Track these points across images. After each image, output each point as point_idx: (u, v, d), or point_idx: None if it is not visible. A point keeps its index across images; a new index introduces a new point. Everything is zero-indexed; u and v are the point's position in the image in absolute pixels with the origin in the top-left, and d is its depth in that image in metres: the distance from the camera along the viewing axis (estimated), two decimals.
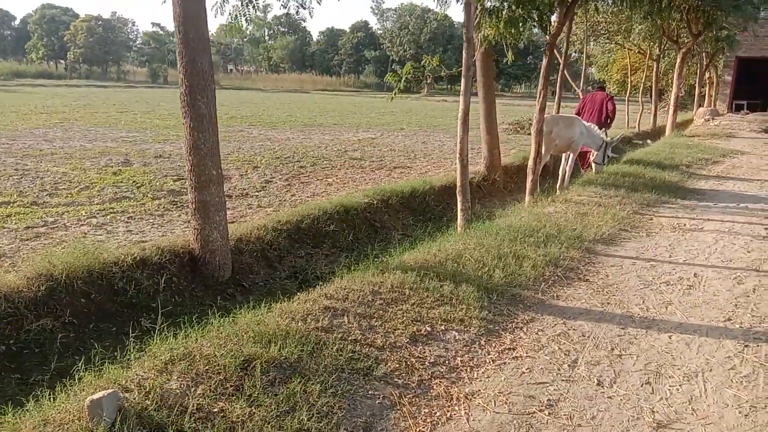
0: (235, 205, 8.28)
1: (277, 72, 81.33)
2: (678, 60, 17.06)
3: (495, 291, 4.46)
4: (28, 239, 6.17)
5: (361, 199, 7.22)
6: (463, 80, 5.82)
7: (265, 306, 3.69)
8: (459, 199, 6.27)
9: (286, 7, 6.43)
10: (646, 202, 8.19)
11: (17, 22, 73.85)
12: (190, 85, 4.59)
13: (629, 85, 23.12)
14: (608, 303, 4.55)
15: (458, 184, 6.23)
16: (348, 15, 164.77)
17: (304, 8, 6.45)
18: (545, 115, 9.50)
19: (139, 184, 9.38)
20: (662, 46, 19.76)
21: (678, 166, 11.53)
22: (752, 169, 12.05)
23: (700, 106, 25.73)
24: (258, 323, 3.39)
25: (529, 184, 8.04)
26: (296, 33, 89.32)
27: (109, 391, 2.49)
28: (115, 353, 3.48)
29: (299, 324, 3.48)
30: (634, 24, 16.25)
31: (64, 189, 8.79)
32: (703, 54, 22.58)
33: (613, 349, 3.73)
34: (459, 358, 3.49)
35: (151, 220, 7.29)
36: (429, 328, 3.76)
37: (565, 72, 15.57)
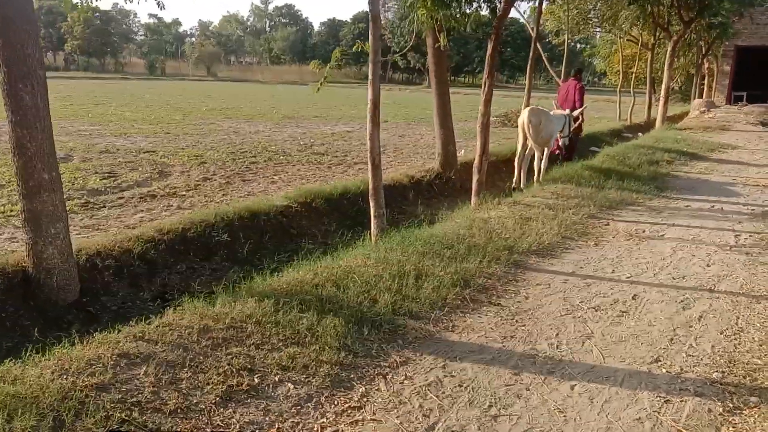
0: (151, 207, 7.51)
1: (278, 63, 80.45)
2: (669, 49, 16.07)
3: (372, 322, 3.64)
4: None
5: (278, 202, 6.40)
6: (370, 66, 5.00)
7: (37, 352, 2.89)
8: (371, 204, 5.44)
9: None
10: (608, 204, 7.33)
11: None
12: (9, 71, 3.79)
13: (621, 77, 22.07)
14: (512, 336, 3.72)
15: (370, 187, 5.41)
16: (350, 5, 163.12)
17: None
18: (533, 107, 8.84)
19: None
20: (656, 35, 18.76)
21: (658, 161, 10.63)
22: (740, 165, 11.13)
23: (699, 97, 24.69)
24: (11, 381, 2.59)
25: (474, 185, 7.19)
26: (297, 24, 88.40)
27: None
28: None
29: (69, 380, 2.67)
30: (620, 9, 15.31)
31: None
32: (701, 43, 21.55)
33: (490, 407, 2.91)
34: (278, 425, 2.68)
35: None
36: (257, 380, 2.95)
37: (544, 60, 14.68)
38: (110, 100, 25.62)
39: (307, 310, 3.59)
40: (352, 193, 7.26)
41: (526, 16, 13.45)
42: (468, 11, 6.90)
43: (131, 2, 5.70)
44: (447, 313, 3.98)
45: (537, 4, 10.85)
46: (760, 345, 3.67)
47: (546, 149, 9.10)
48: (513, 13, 8.55)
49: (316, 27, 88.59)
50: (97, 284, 4.55)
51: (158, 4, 5.61)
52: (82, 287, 4.41)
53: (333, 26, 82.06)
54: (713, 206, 7.62)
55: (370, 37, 4.98)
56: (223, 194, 8.40)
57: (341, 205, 7.08)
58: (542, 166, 8.94)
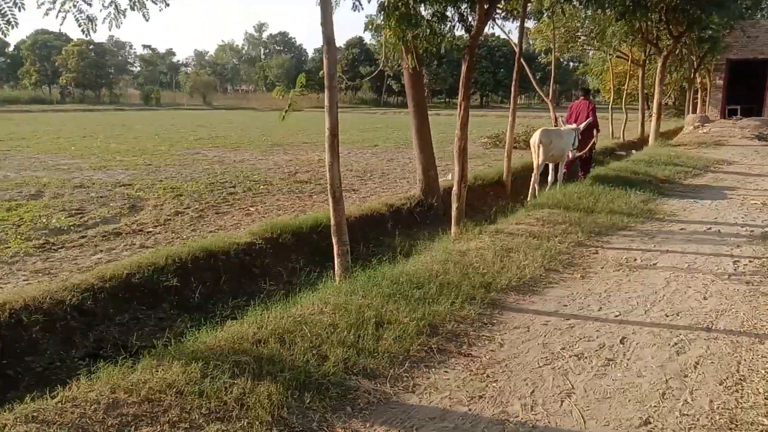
0: (113, 246, 7.04)
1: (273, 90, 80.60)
2: (659, 64, 15.74)
3: (318, 386, 3.16)
4: None
5: (240, 239, 5.95)
6: (327, 92, 4.58)
7: None
8: (334, 241, 4.98)
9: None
10: (598, 230, 6.87)
11: (11, 48, 73.32)
12: None
13: (611, 93, 21.74)
14: (481, 396, 3.23)
15: (332, 222, 4.95)
16: (343, 32, 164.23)
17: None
18: (544, 128, 9.89)
19: (22, 222, 8.15)
20: (646, 50, 18.47)
21: (650, 181, 10.20)
22: (736, 182, 10.70)
23: (693, 112, 24.37)
24: None
25: (454, 213, 6.73)
26: (292, 51, 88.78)
27: None
28: None
29: None
30: (608, 25, 15.01)
31: None
32: (692, 57, 21.26)
33: None
34: None
35: None
36: None
37: (532, 79, 14.35)
38: (99, 132, 25.27)
39: (241, 374, 3.11)
40: (323, 226, 6.78)
41: (513, 35, 12.97)
42: (440, 31, 6.51)
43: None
44: (408, 368, 3.50)
45: (519, 23, 10.51)
46: (766, 398, 3.19)
47: (561, 163, 9.99)
48: (500, 33, 8.43)
49: (310, 53, 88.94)
50: (22, 342, 4.08)
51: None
52: (3, 347, 3.94)
53: None
54: (709, 228, 7.17)
55: (325, 61, 4.58)
56: (193, 229, 7.95)
57: (311, 240, 6.60)
58: (554, 179, 9.91)
